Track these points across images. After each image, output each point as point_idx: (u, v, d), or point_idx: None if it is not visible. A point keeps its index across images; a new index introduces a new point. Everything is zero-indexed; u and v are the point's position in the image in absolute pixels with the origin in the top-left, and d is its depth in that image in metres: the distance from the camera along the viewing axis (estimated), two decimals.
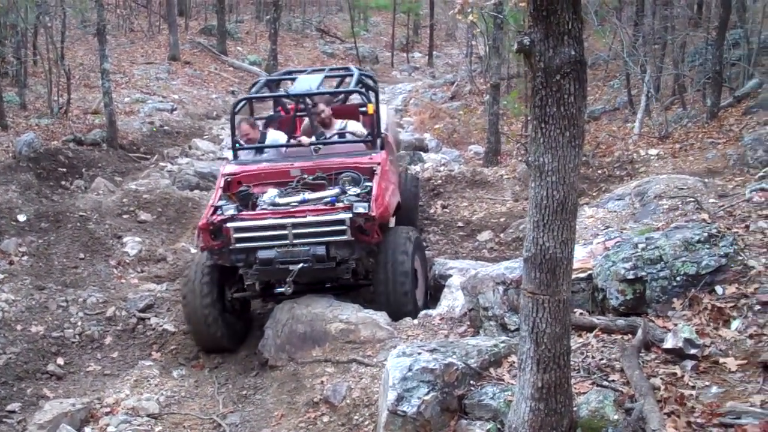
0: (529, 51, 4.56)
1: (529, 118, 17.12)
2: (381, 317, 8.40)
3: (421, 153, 17.92)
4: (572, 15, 4.42)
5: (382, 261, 8.87)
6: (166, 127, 20.60)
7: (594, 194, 12.77)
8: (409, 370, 5.81)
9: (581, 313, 6.66)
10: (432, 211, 13.23)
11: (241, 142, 10.27)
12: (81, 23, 29.38)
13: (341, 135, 10.50)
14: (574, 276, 6.73)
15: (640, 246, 6.71)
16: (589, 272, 6.97)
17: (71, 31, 27.12)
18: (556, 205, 4.64)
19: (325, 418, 7.16)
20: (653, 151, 14.54)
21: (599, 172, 14.04)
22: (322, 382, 7.64)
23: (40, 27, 21.54)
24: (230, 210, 8.82)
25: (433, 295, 9.52)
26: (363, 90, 10.74)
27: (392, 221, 9.58)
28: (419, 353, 6.01)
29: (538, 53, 4.50)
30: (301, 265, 8.51)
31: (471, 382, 5.82)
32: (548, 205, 4.66)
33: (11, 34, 20.83)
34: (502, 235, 11.94)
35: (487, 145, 17.27)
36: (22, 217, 12.15)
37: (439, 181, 14.55)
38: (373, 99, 10.53)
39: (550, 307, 4.77)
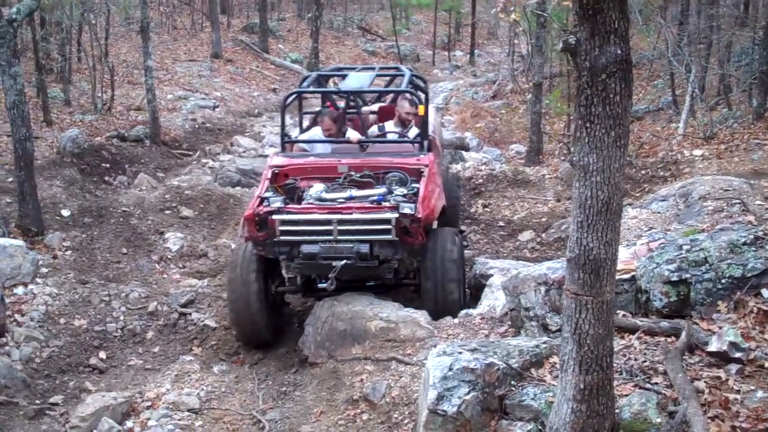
0: (574, 50, 4.53)
1: (572, 117, 17.05)
2: (421, 316, 8.39)
3: (462, 152, 17.85)
4: (619, 14, 4.38)
5: (431, 263, 8.85)
6: (208, 124, 20.74)
7: (637, 195, 12.66)
8: (450, 369, 5.80)
9: (624, 315, 6.61)
10: (473, 210, 13.19)
11: (322, 134, 10.30)
12: (125, 20, 29.61)
13: (402, 136, 10.49)
14: (617, 277, 6.67)
15: (685, 248, 6.65)
16: (633, 273, 6.91)
17: (115, 28, 27.37)
18: (600, 205, 4.61)
19: (365, 416, 7.16)
20: (698, 152, 14.40)
21: (643, 172, 13.92)
22: (361, 379, 7.63)
23: (85, 24, 21.73)
24: (277, 202, 8.80)
25: (473, 295, 9.46)
26: (414, 91, 10.72)
27: (435, 223, 9.53)
28: (460, 353, 5.99)
29: (583, 52, 4.47)
30: (344, 261, 8.50)
31: (512, 382, 5.79)
32: (592, 206, 4.63)
33: (56, 31, 21.05)
34: (543, 235, 11.90)
35: (529, 145, 17.20)
36: (66, 212, 12.32)
37: (481, 180, 14.50)
38: (423, 101, 10.50)
39: (593, 308, 4.74)
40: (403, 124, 10.58)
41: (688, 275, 6.39)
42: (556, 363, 5.80)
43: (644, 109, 20.50)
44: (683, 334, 5.86)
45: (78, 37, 22.16)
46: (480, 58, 38.83)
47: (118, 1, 26.96)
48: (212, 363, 9.00)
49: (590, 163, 4.58)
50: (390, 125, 10.71)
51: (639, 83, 24.01)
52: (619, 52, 4.42)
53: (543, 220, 12.43)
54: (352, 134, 10.38)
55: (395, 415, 6.94)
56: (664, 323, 6.23)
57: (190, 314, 9.90)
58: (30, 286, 9.89)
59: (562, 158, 16.10)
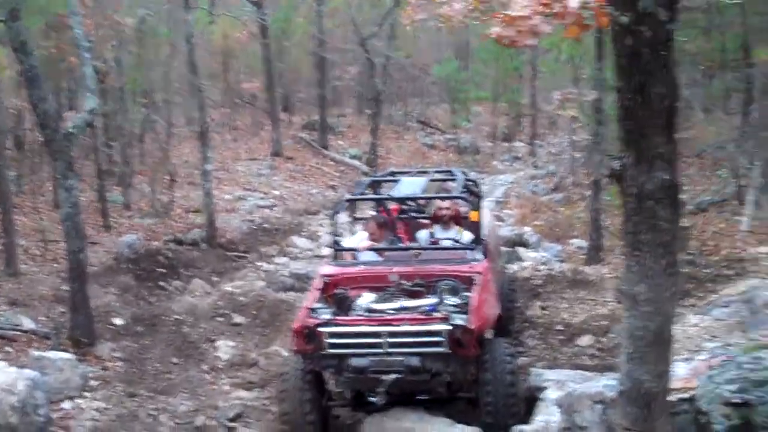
0: (620, 176, 4.35)
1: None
2: None
3: (521, 248, 17.63)
4: (665, 138, 4.20)
5: (490, 376, 8.50)
6: (265, 225, 20.83)
7: (700, 295, 12.24)
8: None
9: None
10: (530, 313, 12.86)
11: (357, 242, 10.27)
12: (188, 121, 30.16)
13: (456, 241, 10.35)
14: (676, 396, 6.39)
15: (747, 366, 6.33)
16: (692, 393, 6.58)
17: (179, 128, 27.81)
18: (651, 336, 4.40)
19: None
20: (763, 249, 13.99)
21: (706, 271, 13.52)
22: None
23: (147, 128, 22.16)
24: (326, 314, 8.65)
25: (527, 408, 9.11)
26: (467, 195, 10.58)
27: (490, 332, 9.24)
28: None
29: (629, 178, 4.29)
30: (393, 375, 8.26)
31: None
32: (643, 337, 4.43)
33: (119, 135, 21.43)
34: (603, 339, 11.50)
35: (590, 242, 16.87)
36: (118, 321, 12.34)
37: (539, 281, 14.21)
38: (476, 204, 10.38)
39: None
40: (445, 223, 10.45)
41: (750, 397, 6.05)
42: None
43: (708, 201, 20.09)
44: None
45: (140, 139, 22.56)
46: (541, 149, 38.72)
47: (182, 102, 27.59)
48: None
49: (639, 293, 4.37)
50: (438, 230, 10.58)
51: (703, 173, 23.63)
52: (667, 177, 4.23)
53: (603, 323, 12.03)
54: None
55: None
56: None
57: (237, 429, 9.67)
58: (78, 400, 9.81)
59: (623, 257, 15.74)
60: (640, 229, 4.31)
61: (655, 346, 4.41)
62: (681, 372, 6.93)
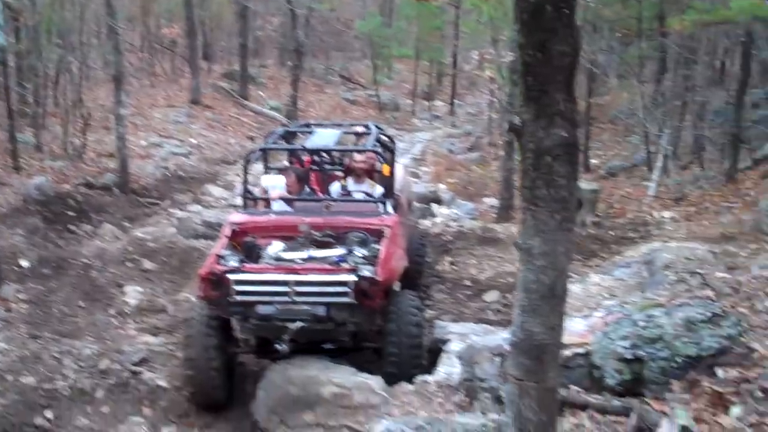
0: (520, 131, 4.43)
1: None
2: (375, 382, 8.24)
3: (435, 205, 17.78)
4: (565, 95, 4.28)
5: (394, 327, 8.68)
6: (180, 172, 20.53)
7: (605, 256, 12.58)
8: None
9: (578, 391, 6.46)
10: (439, 268, 13.04)
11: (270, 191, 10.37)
12: (105, 64, 29.49)
13: (368, 195, 10.44)
14: (572, 351, 6.58)
15: (641, 323, 6.53)
16: (588, 348, 6.78)
17: (94, 71, 27.17)
18: (544, 290, 4.50)
19: None
20: (667, 214, 14.40)
21: (612, 233, 13.86)
22: None
23: (62, 70, 21.58)
24: (233, 261, 8.69)
25: (431, 360, 9.28)
26: (380, 150, 10.65)
27: (398, 284, 9.37)
28: (403, 431, 5.83)
29: (528, 134, 4.37)
30: (299, 323, 8.35)
31: None
32: (537, 290, 4.52)
33: (32, 76, 20.85)
34: (509, 295, 11.72)
35: (501, 201, 17.12)
36: (24, 263, 12.08)
37: (449, 237, 14.38)
38: (389, 159, 10.47)
39: (537, 395, 4.62)
40: (358, 176, 10.54)
41: (642, 353, 6.27)
42: None
43: (619, 166, 20.54)
44: (633, 416, 5.72)
45: (55, 81, 22.00)
46: (460, 109, 38.97)
47: (98, 46, 26.94)
48: (161, 425, 8.74)
49: (534, 247, 4.47)
50: (350, 183, 10.66)
51: (615, 138, 24.13)
52: (565, 134, 4.32)
53: (509, 279, 12.23)
54: None
55: None
56: (616, 402, 6.10)
57: (142, 373, 9.63)
58: None
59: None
60: (537, 185, 4.38)
61: (549, 299, 4.51)
62: (579, 328, 7.11)
